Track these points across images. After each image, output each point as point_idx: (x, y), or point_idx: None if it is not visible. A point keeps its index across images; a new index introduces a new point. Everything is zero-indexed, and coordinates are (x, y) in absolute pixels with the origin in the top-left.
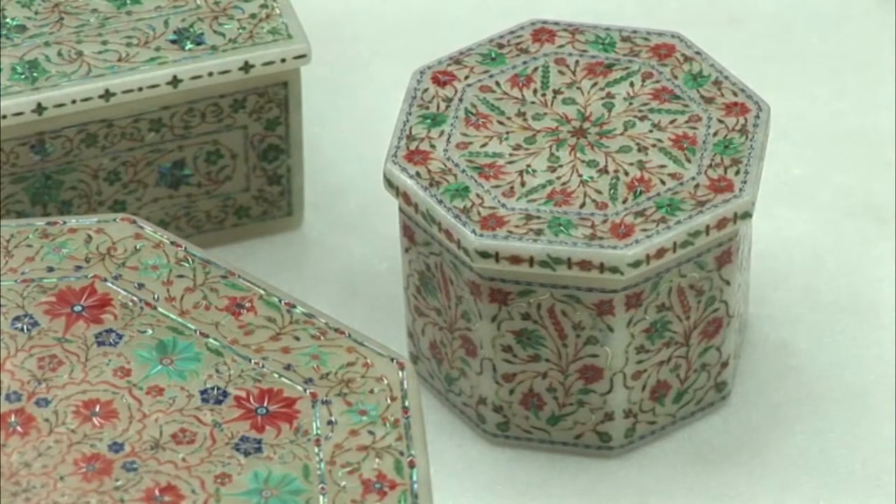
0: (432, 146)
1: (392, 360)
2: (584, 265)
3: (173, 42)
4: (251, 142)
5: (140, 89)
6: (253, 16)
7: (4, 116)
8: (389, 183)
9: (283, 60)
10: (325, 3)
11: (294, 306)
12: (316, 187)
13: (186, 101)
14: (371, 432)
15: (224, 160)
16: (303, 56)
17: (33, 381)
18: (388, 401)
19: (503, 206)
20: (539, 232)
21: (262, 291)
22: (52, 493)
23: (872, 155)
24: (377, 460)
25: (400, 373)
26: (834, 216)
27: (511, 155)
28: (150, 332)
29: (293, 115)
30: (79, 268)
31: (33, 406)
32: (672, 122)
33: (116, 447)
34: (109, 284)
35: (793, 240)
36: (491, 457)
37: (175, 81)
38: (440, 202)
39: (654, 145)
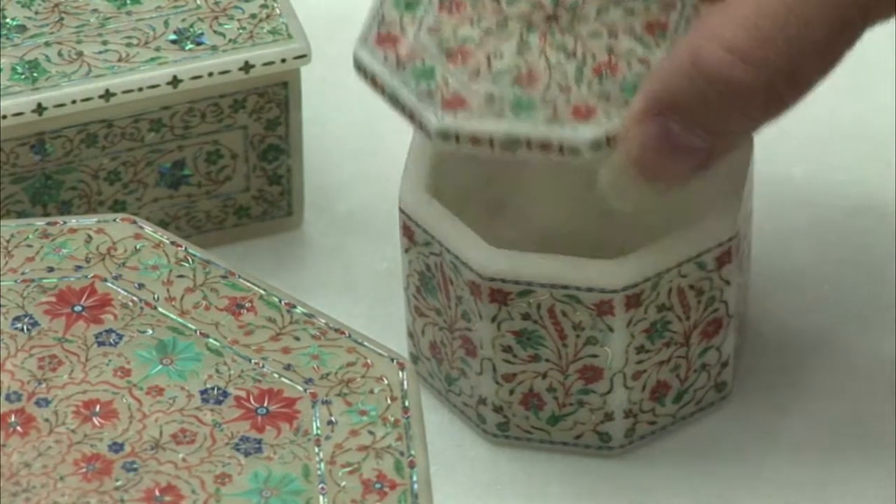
0: (403, 30)
1: (392, 360)
2: (545, 147)
3: (173, 42)
4: (251, 142)
5: (140, 89)
6: (253, 16)
7: (4, 116)
8: (358, 67)
9: (283, 60)
10: (325, 3)
11: (294, 306)
12: (316, 187)
13: (186, 101)
14: (371, 432)
15: (224, 160)
16: (303, 56)
17: (33, 381)
18: (389, 401)
19: (467, 88)
20: (500, 114)
21: (262, 291)
22: (52, 493)
23: (872, 155)
24: (377, 460)
25: (400, 373)
26: (834, 216)
27: (481, 39)
28: (150, 332)
29: (293, 115)
30: (79, 268)
31: (33, 406)
32: (646, 8)
33: (116, 447)
34: (109, 284)
35: (793, 239)
36: (491, 457)
37: (175, 81)
38: (405, 84)
39: (625, 31)
